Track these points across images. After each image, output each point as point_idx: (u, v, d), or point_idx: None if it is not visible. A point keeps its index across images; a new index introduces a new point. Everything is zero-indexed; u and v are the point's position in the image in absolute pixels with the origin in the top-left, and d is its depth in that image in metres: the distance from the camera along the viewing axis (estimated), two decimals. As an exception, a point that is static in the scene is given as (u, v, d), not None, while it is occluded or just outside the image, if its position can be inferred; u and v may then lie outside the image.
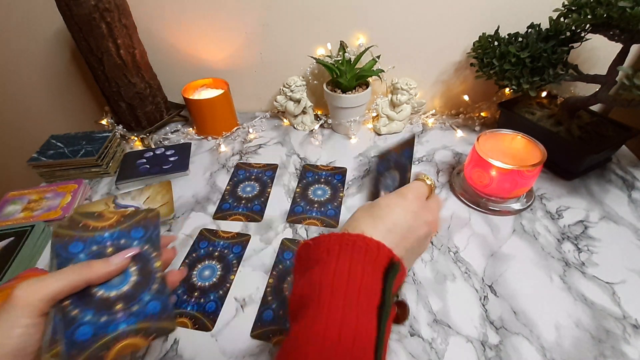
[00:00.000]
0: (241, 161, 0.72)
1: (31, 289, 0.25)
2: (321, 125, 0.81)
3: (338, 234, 0.29)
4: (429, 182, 0.37)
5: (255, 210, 0.60)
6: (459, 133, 0.76)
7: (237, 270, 0.50)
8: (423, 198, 0.36)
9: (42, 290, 0.25)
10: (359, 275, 0.26)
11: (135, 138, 0.79)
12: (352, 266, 0.26)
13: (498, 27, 0.65)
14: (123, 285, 0.31)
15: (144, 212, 0.35)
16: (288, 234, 0.56)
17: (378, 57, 0.74)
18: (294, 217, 0.58)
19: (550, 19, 0.59)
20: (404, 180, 0.39)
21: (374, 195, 0.39)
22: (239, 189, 0.64)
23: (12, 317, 0.24)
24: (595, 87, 0.57)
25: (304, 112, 0.80)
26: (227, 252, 0.53)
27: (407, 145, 0.40)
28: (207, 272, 0.50)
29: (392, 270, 0.28)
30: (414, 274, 0.48)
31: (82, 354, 0.27)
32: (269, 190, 0.64)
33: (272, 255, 0.52)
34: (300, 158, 0.72)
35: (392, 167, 0.39)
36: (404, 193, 0.34)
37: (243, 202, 0.62)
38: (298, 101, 0.78)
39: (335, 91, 0.73)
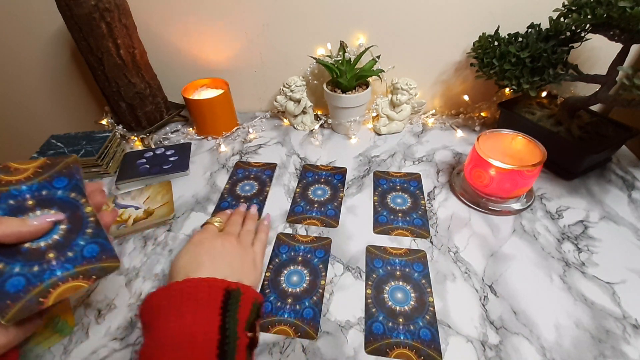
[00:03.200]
0: (241, 160, 0.72)
1: None
2: (321, 125, 0.81)
3: (165, 288, 0.31)
4: (217, 224, 0.43)
5: (255, 210, 0.60)
6: (459, 133, 0.76)
7: (237, 270, 0.50)
8: (212, 233, 0.42)
9: None
10: (188, 325, 0.28)
11: (135, 138, 0.79)
12: (180, 320, 0.28)
13: (498, 27, 0.65)
14: (53, 235, 0.30)
15: (64, 160, 0.34)
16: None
17: (378, 57, 0.74)
18: (293, 217, 0.58)
19: (550, 19, 0.59)
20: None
21: None
22: (237, 188, 0.65)
23: None
24: (595, 87, 0.57)
25: (304, 112, 0.80)
26: (227, 252, 0.53)
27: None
28: (207, 272, 0.50)
29: (231, 300, 0.29)
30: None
31: (17, 303, 0.27)
32: (267, 189, 0.64)
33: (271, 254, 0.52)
34: (300, 158, 0.72)
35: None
36: (193, 238, 0.41)
37: (242, 200, 0.62)
38: (298, 101, 0.78)
39: (335, 91, 0.73)
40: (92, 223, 0.32)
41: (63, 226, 0.31)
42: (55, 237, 0.30)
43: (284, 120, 0.84)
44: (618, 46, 0.54)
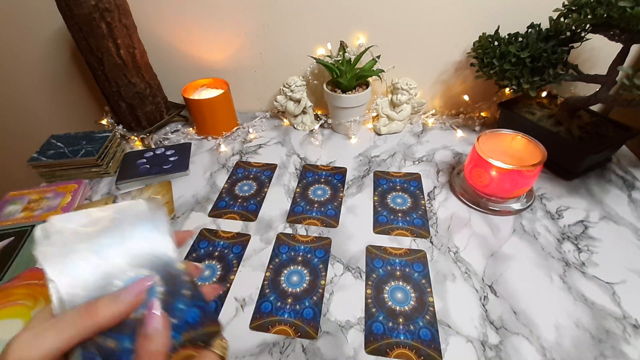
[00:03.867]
0: (241, 160, 0.72)
1: (26, 351, 0.19)
2: (321, 125, 0.81)
3: None
4: (219, 351, 0.26)
5: (250, 210, 0.60)
6: (459, 133, 0.76)
7: (237, 270, 0.50)
8: None
9: (41, 351, 0.19)
10: None
11: (135, 138, 0.79)
12: None
13: (498, 27, 0.65)
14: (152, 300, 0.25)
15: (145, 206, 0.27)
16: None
17: (378, 57, 0.74)
18: (293, 217, 0.58)
19: (550, 19, 0.59)
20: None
21: None
22: (236, 188, 0.65)
23: None
24: (595, 87, 0.57)
25: (304, 112, 0.80)
26: (227, 252, 0.53)
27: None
28: (207, 272, 0.50)
29: None
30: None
31: None
32: (265, 190, 0.64)
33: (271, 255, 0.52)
34: (300, 158, 0.72)
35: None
36: None
37: (239, 200, 0.62)
38: (298, 101, 0.78)
39: (335, 91, 0.73)
40: (187, 283, 0.27)
41: (160, 289, 0.26)
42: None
43: (284, 120, 0.84)
44: (618, 46, 0.54)
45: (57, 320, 0.20)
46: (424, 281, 0.47)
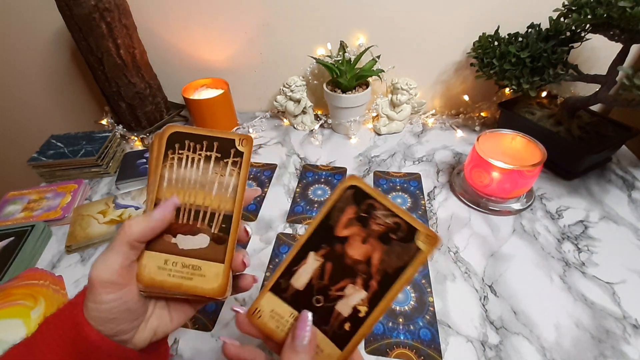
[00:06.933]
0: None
1: (102, 271, 0.24)
2: (321, 125, 0.81)
3: None
4: None
5: (250, 210, 0.60)
6: (459, 133, 0.76)
7: (237, 270, 0.50)
8: None
9: (110, 269, 0.24)
10: None
11: (135, 138, 0.79)
12: None
13: (498, 27, 0.65)
14: None
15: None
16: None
17: (378, 57, 0.74)
18: (294, 217, 0.58)
19: (550, 19, 0.59)
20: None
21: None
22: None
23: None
24: (595, 87, 0.57)
25: (304, 112, 0.80)
26: (227, 252, 0.53)
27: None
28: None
29: None
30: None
31: None
32: (265, 190, 0.64)
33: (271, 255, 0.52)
34: (300, 158, 0.72)
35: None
36: None
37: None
38: (298, 101, 0.78)
39: (335, 91, 0.73)
40: None
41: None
42: None
43: (284, 120, 0.84)
44: (618, 46, 0.54)
45: (112, 243, 0.25)
46: (424, 281, 0.47)
